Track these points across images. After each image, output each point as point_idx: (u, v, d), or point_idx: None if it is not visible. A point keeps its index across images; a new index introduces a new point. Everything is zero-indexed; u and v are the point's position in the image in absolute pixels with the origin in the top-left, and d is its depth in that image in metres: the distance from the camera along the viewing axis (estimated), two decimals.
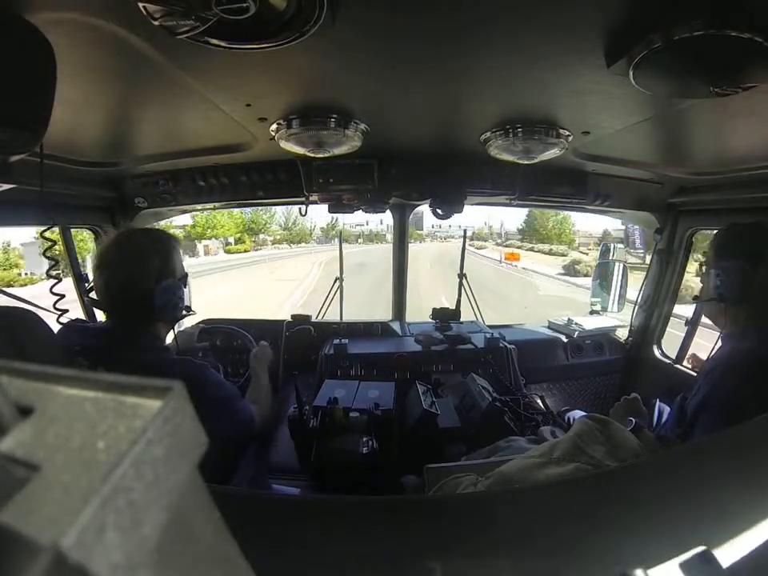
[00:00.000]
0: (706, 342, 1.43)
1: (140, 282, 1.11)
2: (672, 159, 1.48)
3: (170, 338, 1.36)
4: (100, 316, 1.40)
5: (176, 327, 1.27)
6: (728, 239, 1.22)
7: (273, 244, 40.25)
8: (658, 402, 1.66)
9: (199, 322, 2.00)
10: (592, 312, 2.39)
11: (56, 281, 1.18)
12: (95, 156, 1.38)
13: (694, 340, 1.85)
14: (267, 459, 1.28)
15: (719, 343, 1.27)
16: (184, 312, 1.24)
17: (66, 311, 1.17)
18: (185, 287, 1.22)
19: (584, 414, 1.32)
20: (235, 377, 1.69)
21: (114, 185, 1.66)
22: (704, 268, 1.29)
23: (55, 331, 0.97)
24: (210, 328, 1.92)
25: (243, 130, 1.21)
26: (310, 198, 1.68)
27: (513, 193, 1.67)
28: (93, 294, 1.17)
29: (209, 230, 33.20)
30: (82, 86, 0.86)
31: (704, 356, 1.68)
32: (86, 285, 1.16)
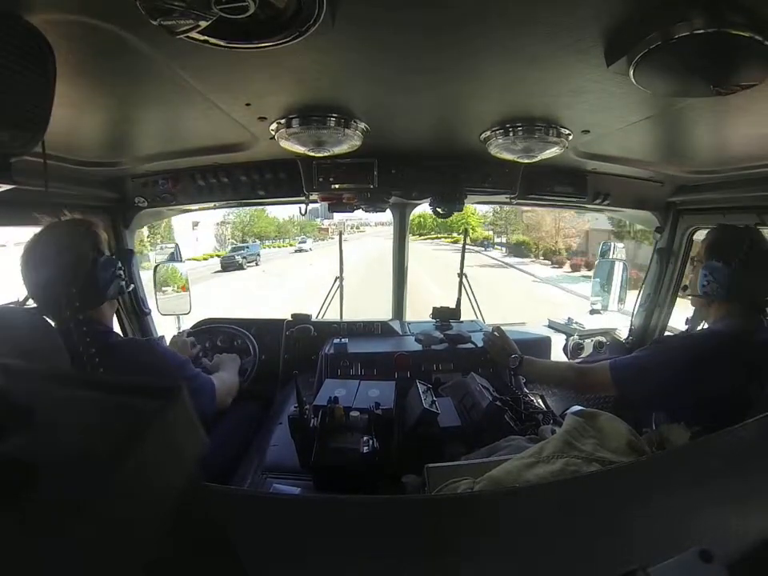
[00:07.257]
0: None
1: (75, 269, 1.08)
2: (672, 158, 1.48)
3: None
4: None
5: (116, 305, 1.31)
6: (717, 241, 1.28)
7: None
8: None
9: (199, 322, 2.00)
10: (592, 311, 2.39)
11: None
12: (95, 156, 1.37)
13: None
14: (267, 459, 1.28)
15: None
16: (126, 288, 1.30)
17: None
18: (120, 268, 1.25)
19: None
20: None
21: (113, 185, 1.66)
22: (694, 263, 1.36)
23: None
24: (210, 327, 1.92)
25: (243, 130, 1.20)
26: (310, 198, 1.68)
27: (513, 192, 1.67)
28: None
29: None
30: (81, 86, 0.86)
31: None
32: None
